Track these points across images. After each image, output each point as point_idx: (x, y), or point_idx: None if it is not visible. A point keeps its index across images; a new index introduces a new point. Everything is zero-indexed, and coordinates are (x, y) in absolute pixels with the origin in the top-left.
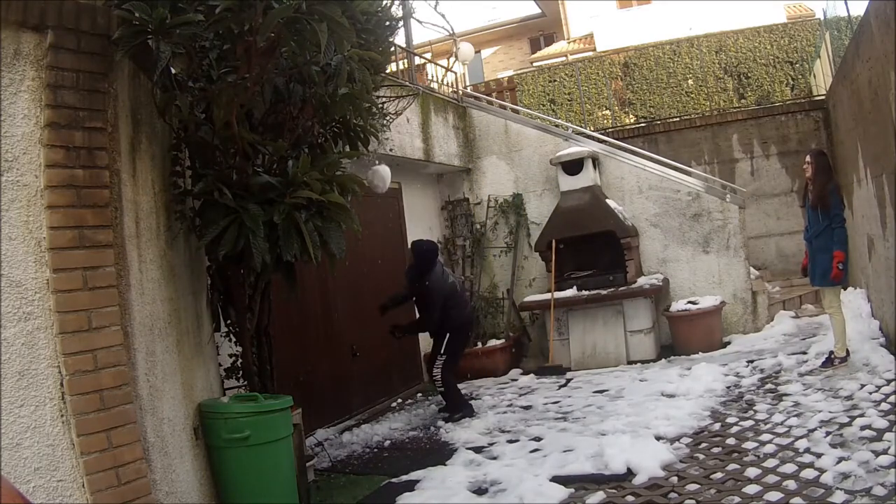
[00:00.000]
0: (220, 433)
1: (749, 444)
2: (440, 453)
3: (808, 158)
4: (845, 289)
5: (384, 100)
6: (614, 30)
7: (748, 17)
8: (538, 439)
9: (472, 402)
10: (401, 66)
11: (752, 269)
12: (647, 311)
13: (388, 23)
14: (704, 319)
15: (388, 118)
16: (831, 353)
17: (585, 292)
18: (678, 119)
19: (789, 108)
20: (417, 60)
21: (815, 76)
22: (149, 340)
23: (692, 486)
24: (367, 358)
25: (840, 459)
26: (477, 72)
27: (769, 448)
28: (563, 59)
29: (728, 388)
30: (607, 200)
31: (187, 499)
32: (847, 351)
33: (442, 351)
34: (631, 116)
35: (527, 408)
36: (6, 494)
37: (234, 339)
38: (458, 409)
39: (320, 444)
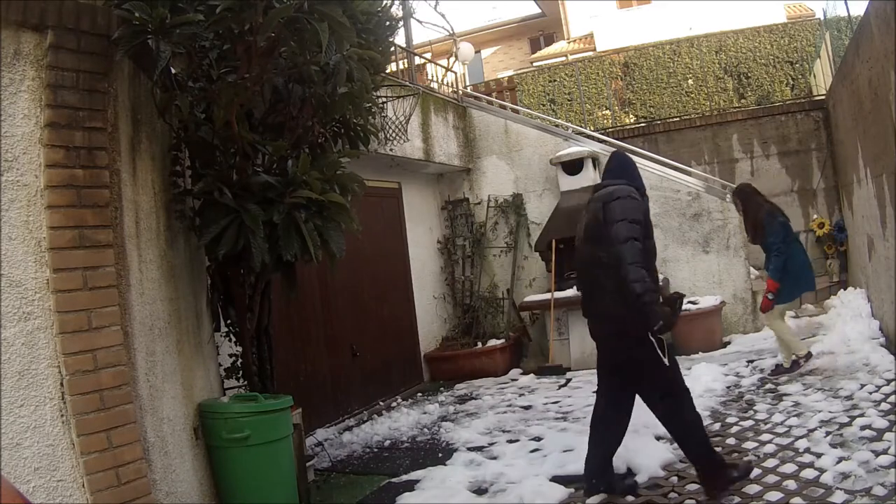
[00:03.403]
0: (220, 433)
1: (749, 444)
2: (440, 453)
3: (732, 199)
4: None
5: (384, 100)
6: (614, 30)
7: (748, 17)
8: (538, 439)
9: (473, 401)
10: (401, 66)
11: (752, 268)
12: None
13: (388, 23)
14: (704, 319)
15: (400, 124)
16: (794, 360)
17: None
18: (678, 119)
19: (789, 108)
20: (417, 60)
21: (815, 76)
22: (149, 340)
23: (692, 486)
24: (367, 358)
25: (840, 459)
26: (477, 72)
27: (769, 448)
28: (563, 59)
29: (728, 387)
30: None
31: (187, 499)
32: (796, 357)
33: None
34: (631, 116)
35: (527, 408)
36: (6, 494)
37: (234, 339)
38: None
39: (320, 444)
